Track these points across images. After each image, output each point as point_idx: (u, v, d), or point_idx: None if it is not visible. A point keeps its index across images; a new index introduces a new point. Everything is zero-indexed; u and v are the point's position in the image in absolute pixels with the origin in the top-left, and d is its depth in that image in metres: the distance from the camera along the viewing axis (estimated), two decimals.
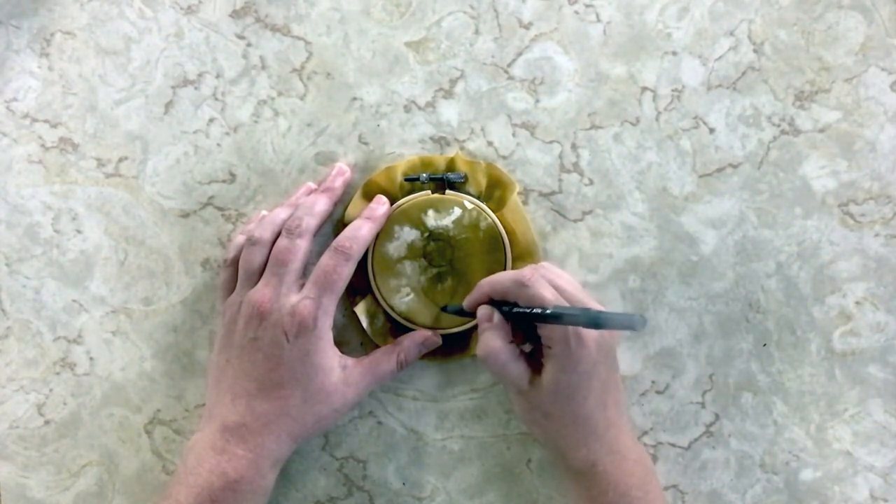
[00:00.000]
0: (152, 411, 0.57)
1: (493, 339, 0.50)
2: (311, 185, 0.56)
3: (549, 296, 0.49)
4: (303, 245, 0.52)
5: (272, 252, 0.53)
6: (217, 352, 0.54)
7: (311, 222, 0.53)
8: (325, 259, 0.52)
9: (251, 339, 0.51)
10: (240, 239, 0.55)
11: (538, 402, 0.50)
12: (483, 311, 0.51)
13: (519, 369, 0.50)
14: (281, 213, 0.54)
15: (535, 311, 0.48)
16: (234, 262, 0.54)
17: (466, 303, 0.53)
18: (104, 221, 0.57)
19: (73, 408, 0.57)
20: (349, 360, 0.53)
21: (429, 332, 0.55)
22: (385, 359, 0.54)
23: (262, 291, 0.51)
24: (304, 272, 0.53)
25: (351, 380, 0.52)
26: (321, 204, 0.54)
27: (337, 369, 0.52)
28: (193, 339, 0.57)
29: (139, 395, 0.57)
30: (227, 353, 0.53)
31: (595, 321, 0.44)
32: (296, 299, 0.51)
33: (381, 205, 0.54)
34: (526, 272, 0.50)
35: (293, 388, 0.51)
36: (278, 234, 0.53)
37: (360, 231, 0.53)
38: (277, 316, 0.51)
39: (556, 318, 0.47)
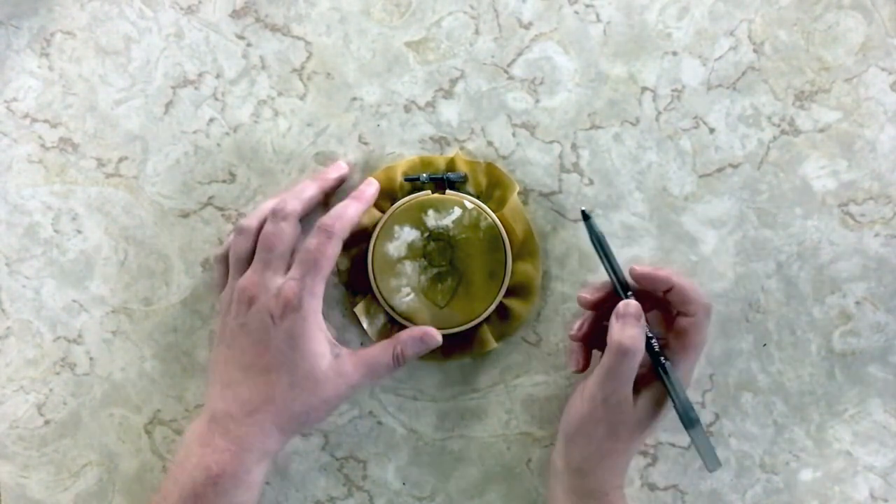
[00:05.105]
0: (152, 411, 0.57)
1: (641, 337, 0.49)
2: (308, 182, 0.56)
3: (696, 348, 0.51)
4: (287, 228, 0.51)
5: (258, 238, 0.52)
6: (215, 345, 0.53)
7: (295, 206, 0.52)
8: (309, 239, 0.51)
9: (240, 325, 0.51)
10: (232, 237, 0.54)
11: (617, 419, 0.50)
12: (635, 306, 0.50)
13: (634, 375, 0.50)
14: (269, 203, 0.54)
15: (665, 361, 0.50)
16: (225, 258, 0.54)
17: (639, 271, 0.51)
18: (104, 221, 0.57)
19: (73, 408, 0.57)
20: (344, 351, 0.52)
21: (428, 328, 0.54)
22: (382, 353, 0.52)
23: (249, 277, 0.51)
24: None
25: (344, 370, 0.51)
26: (309, 190, 0.53)
27: (327, 356, 0.51)
28: (193, 339, 0.57)
29: (139, 395, 0.57)
30: (221, 343, 0.52)
31: (689, 420, 0.50)
32: (280, 281, 0.50)
33: (369, 186, 0.54)
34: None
35: (279, 373, 0.50)
36: None
37: (346, 210, 0.52)
38: (264, 299, 0.50)
39: (669, 383, 0.50)
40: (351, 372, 0.51)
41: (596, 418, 0.50)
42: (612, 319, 0.50)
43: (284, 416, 0.50)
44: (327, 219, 0.51)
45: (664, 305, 0.52)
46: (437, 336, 0.54)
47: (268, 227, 0.52)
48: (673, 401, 0.50)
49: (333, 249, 0.51)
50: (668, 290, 0.50)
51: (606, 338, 0.50)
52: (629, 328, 0.49)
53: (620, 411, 0.50)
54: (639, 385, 0.50)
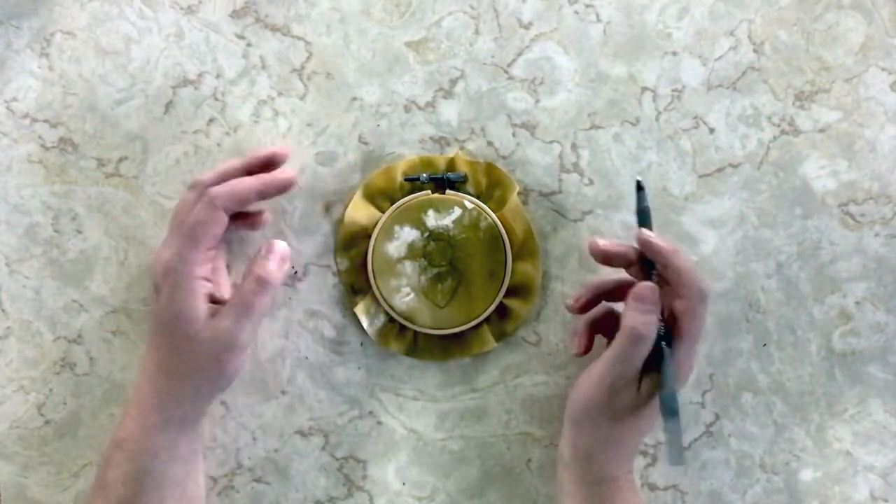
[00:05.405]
0: None
1: (654, 323, 0.49)
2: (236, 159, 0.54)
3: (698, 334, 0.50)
4: (189, 197, 0.52)
5: None
6: None
7: (208, 176, 0.52)
8: (195, 209, 0.50)
9: (153, 294, 0.52)
10: None
11: (621, 403, 0.50)
12: (653, 290, 0.49)
13: (643, 361, 0.50)
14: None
15: (665, 346, 0.49)
16: None
17: (644, 236, 0.50)
18: (104, 221, 0.57)
19: (73, 408, 0.57)
20: (219, 307, 0.51)
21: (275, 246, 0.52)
22: (244, 283, 0.50)
23: (160, 247, 0.52)
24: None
25: (220, 325, 0.49)
26: (227, 164, 0.53)
27: (202, 318, 0.50)
28: None
29: None
30: None
31: (669, 410, 0.48)
32: (161, 250, 0.51)
33: (282, 173, 0.52)
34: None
35: (163, 339, 0.50)
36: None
37: (238, 185, 0.51)
38: (154, 269, 0.52)
39: (660, 363, 0.49)
40: (227, 323, 0.50)
41: (601, 403, 0.50)
42: (629, 301, 0.49)
43: (175, 380, 0.50)
44: (215, 190, 0.50)
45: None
46: (266, 217, 0.54)
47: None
48: (662, 386, 0.49)
49: (215, 220, 0.50)
50: (665, 268, 0.50)
51: (609, 322, 0.51)
52: (644, 314, 0.49)
53: (625, 395, 0.50)
54: (642, 369, 0.50)
